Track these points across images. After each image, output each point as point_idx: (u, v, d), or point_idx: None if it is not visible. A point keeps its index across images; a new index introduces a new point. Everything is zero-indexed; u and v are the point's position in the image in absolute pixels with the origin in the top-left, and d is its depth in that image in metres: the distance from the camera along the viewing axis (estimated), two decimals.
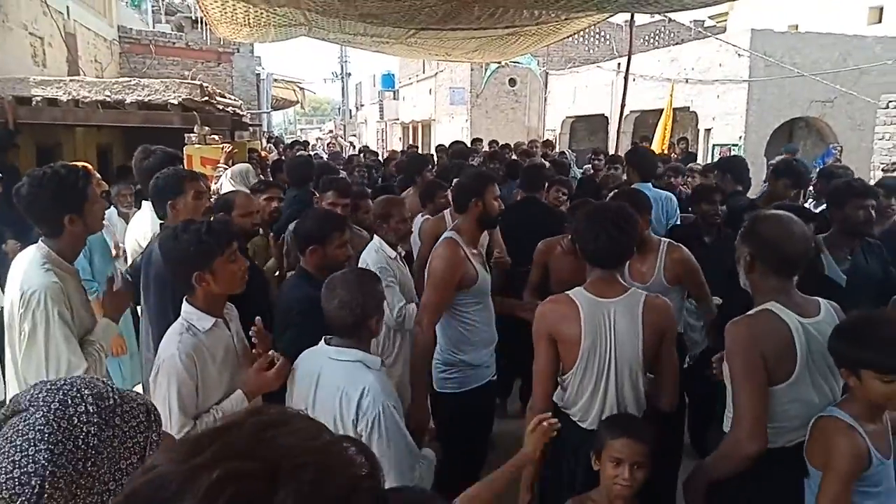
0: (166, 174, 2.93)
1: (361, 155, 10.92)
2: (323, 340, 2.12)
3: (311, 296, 2.55)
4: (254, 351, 2.22)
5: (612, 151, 9.92)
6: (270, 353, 2.20)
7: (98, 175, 4.11)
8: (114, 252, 3.88)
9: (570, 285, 3.72)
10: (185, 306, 2.14)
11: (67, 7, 9.21)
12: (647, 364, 2.31)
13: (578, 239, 2.41)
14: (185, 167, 4.62)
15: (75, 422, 0.92)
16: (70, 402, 0.94)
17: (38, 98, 5.78)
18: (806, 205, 4.97)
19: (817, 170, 9.47)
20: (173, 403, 1.99)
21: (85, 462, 0.91)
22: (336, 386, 1.97)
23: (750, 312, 2.06)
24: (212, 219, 2.63)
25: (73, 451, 0.90)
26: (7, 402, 2.28)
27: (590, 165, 7.88)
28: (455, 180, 3.27)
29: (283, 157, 9.51)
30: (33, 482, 0.88)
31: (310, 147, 16.61)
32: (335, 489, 0.55)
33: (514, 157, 8.28)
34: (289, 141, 18.61)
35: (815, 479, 1.91)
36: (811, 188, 5.47)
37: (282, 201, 4.20)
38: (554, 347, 2.32)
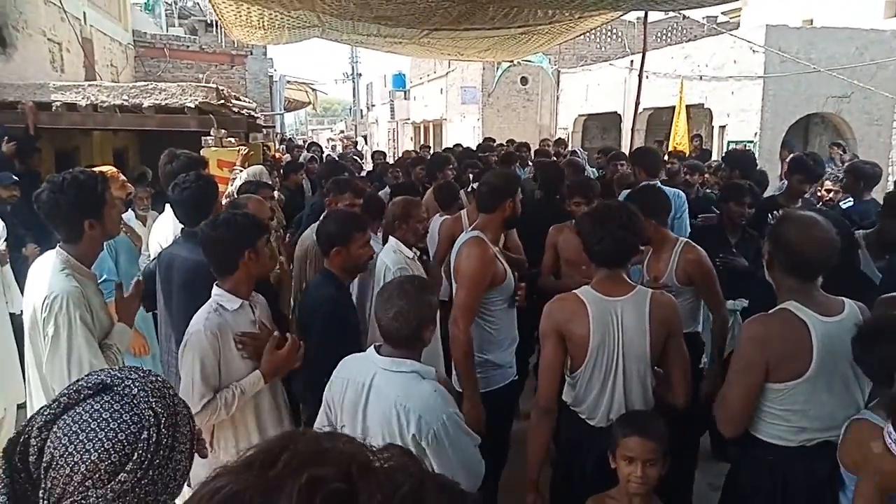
0: (207, 179, 2.95)
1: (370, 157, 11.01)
2: (373, 348, 2.08)
3: (336, 297, 2.60)
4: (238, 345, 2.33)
5: (625, 149, 9.89)
6: (276, 333, 2.37)
7: (124, 178, 4.17)
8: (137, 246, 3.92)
9: (575, 264, 3.82)
10: (215, 290, 2.35)
11: (84, 13, 9.31)
12: (655, 361, 2.35)
13: (584, 240, 2.43)
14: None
15: (158, 385, 1.02)
16: (143, 373, 1.03)
17: (58, 103, 5.84)
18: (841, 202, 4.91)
19: (829, 168, 9.39)
20: (196, 374, 2.20)
21: (175, 416, 1.01)
22: (394, 399, 1.91)
23: (770, 311, 2.10)
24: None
25: (169, 406, 1.00)
26: (29, 403, 2.31)
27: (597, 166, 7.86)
28: (480, 181, 3.25)
29: (293, 160, 9.55)
30: (145, 434, 0.95)
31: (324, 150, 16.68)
32: (407, 488, 0.58)
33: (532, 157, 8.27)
34: (299, 142, 18.74)
35: (849, 483, 1.89)
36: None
37: (273, 200, 4.28)
38: (561, 345, 2.36)
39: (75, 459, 0.91)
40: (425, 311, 2.03)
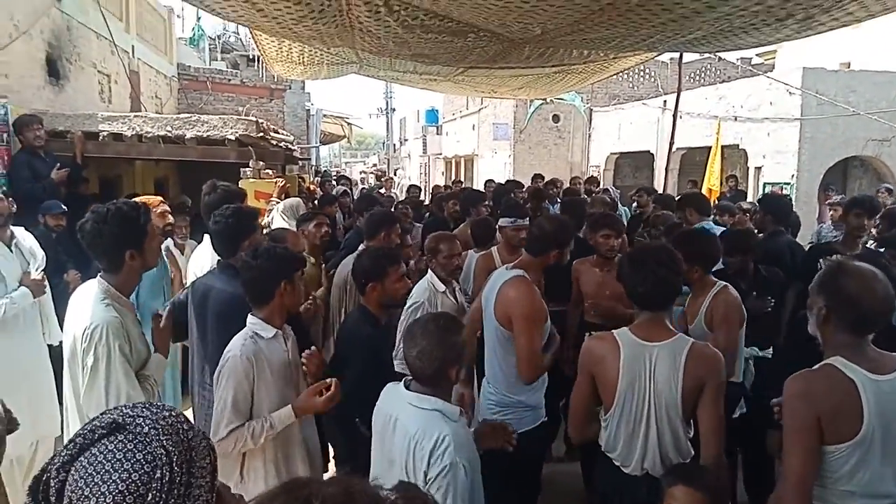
0: (240, 213, 2.98)
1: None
2: (402, 383, 2.10)
3: (371, 335, 2.60)
4: (303, 367, 2.44)
5: (658, 188, 9.82)
6: (328, 380, 2.38)
7: (167, 207, 4.27)
8: (174, 284, 3.94)
9: (594, 298, 3.87)
10: (250, 318, 2.41)
11: (133, 46, 9.70)
12: (688, 413, 2.26)
13: (625, 283, 2.39)
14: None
15: (171, 421, 1.01)
16: (156, 410, 1.02)
17: (105, 133, 6.04)
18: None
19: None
20: (228, 398, 2.25)
21: (190, 451, 1.00)
22: (412, 434, 1.93)
23: (814, 367, 1.97)
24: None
25: (182, 443, 0.99)
26: (66, 434, 2.35)
27: (635, 204, 7.80)
28: (534, 223, 3.21)
29: (326, 193, 9.70)
30: (159, 474, 0.95)
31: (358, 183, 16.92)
32: None
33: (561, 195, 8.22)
34: (333, 175, 19.03)
35: None
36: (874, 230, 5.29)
37: (330, 227, 4.34)
38: (592, 383, 2.34)
39: (91, 503, 0.92)
40: (449, 351, 2.00)
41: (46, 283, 3.92)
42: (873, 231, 5.68)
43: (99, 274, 2.38)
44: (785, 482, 1.96)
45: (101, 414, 1.01)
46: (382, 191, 11.97)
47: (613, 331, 2.37)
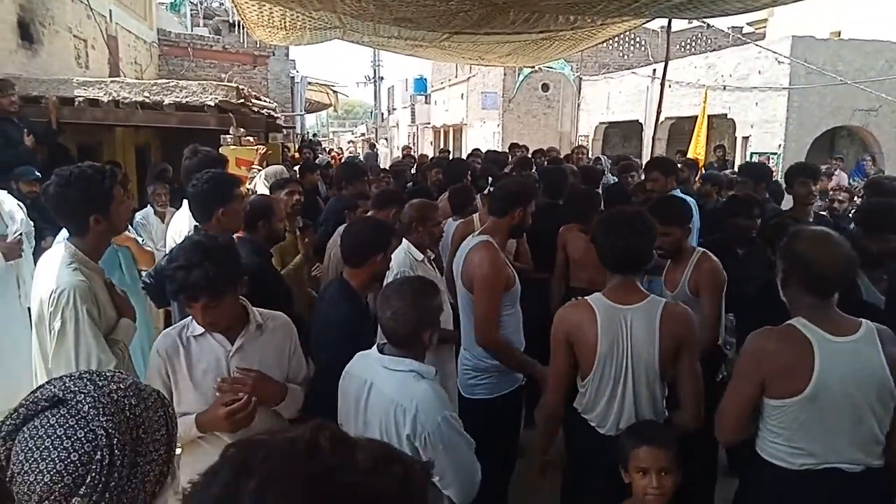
0: (218, 178, 2.89)
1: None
2: (376, 346, 2.09)
3: (350, 317, 2.51)
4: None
5: (646, 158, 9.80)
6: (240, 394, 2.03)
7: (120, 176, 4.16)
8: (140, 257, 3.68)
9: (582, 265, 3.81)
10: None
11: (110, 10, 9.45)
12: (665, 373, 2.30)
13: (598, 246, 2.41)
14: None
15: (116, 397, 0.96)
16: (101, 383, 0.98)
17: (81, 98, 5.92)
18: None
19: (855, 181, 9.25)
20: None
21: (137, 429, 0.96)
22: (390, 398, 1.92)
23: (778, 326, 2.04)
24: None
25: (126, 421, 0.95)
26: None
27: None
28: (497, 184, 3.21)
29: (307, 160, 9.58)
30: (98, 455, 0.91)
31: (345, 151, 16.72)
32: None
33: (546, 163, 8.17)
34: (316, 143, 18.78)
35: None
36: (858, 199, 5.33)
37: (302, 195, 4.24)
38: (570, 351, 2.36)
39: (31, 479, 0.90)
40: (423, 313, 2.00)
41: (25, 246, 3.85)
42: (857, 200, 5.71)
43: (66, 238, 2.34)
44: (719, 417, 2.11)
45: (45, 384, 0.98)
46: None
47: (586, 297, 2.39)
